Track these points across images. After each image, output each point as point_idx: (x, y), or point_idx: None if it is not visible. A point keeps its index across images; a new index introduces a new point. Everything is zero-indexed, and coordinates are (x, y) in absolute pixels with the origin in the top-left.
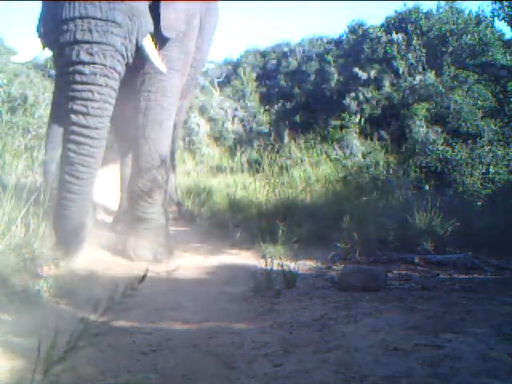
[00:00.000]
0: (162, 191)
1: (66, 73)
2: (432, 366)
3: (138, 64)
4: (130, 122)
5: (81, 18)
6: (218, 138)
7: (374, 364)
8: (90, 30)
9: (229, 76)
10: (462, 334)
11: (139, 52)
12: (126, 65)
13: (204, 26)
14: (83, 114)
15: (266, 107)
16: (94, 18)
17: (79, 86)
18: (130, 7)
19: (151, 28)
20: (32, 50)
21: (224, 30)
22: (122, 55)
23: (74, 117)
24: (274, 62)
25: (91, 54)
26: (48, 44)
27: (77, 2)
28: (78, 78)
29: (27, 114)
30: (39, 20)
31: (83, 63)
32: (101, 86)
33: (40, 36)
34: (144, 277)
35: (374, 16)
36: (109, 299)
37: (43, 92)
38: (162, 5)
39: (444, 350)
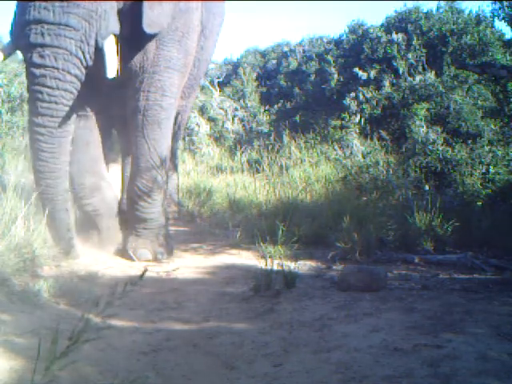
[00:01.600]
0: (161, 191)
1: (26, 72)
2: (432, 366)
3: (136, 64)
4: (130, 122)
5: (35, 21)
6: (218, 138)
7: (374, 364)
8: (43, 34)
9: (229, 76)
10: (462, 334)
11: (100, 54)
12: (86, 67)
13: (207, 26)
14: (34, 112)
15: (266, 107)
16: (46, 23)
17: (32, 87)
18: (86, 10)
19: (114, 29)
20: (6, 50)
21: (224, 29)
22: (78, 58)
23: (29, 114)
24: (274, 62)
25: (42, 57)
26: (16, 46)
27: (33, 7)
28: (30, 79)
29: (27, 114)
30: (11, 24)
31: (35, 65)
32: (51, 87)
33: (11, 39)
34: (143, 275)
35: (374, 16)
36: (108, 298)
37: None
38: (145, 2)
39: (444, 350)
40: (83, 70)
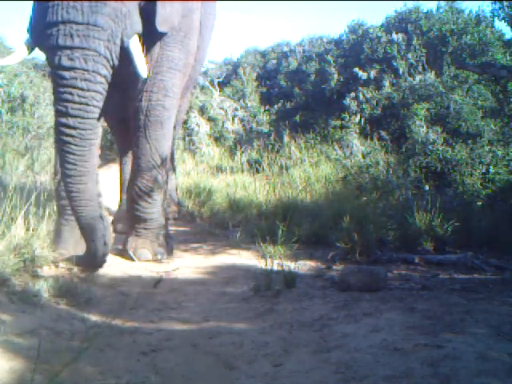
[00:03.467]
0: (162, 191)
1: (52, 75)
2: (432, 366)
3: None
4: (131, 122)
5: (63, 22)
6: (218, 138)
7: (374, 364)
8: (72, 35)
9: (229, 76)
10: (462, 334)
11: (126, 54)
12: (112, 67)
13: (203, 26)
14: (64, 114)
15: (266, 107)
16: (75, 23)
17: (61, 89)
18: (113, 9)
19: (138, 28)
20: (20, 52)
21: (224, 30)
22: (106, 58)
23: (57, 116)
24: (274, 62)
25: (72, 60)
26: (38, 46)
27: (60, 6)
28: (59, 81)
29: (27, 114)
30: (30, 21)
31: (64, 68)
32: (82, 89)
33: (31, 38)
34: (159, 282)
35: (374, 16)
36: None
37: (43, 92)
38: (158, 2)
39: (444, 350)
40: (110, 71)
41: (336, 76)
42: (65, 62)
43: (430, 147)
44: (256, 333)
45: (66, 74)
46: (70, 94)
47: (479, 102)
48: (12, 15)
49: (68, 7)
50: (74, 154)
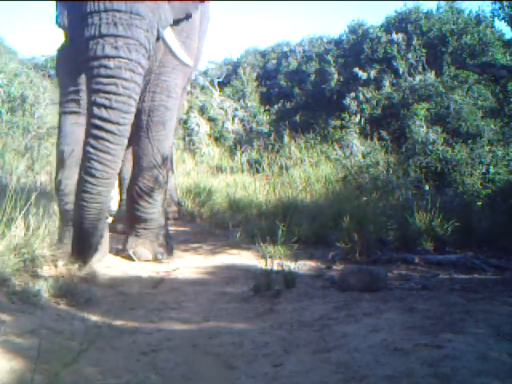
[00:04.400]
0: (162, 191)
1: (90, 67)
2: (432, 366)
3: None
4: (133, 122)
5: (105, 11)
6: (218, 138)
7: (374, 364)
8: (115, 24)
9: (229, 76)
10: (462, 334)
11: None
12: (149, 58)
13: (201, 26)
14: (106, 107)
15: (266, 107)
16: (118, 11)
17: (104, 80)
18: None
19: (170, 20)
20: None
21: (224, 30)
22: (146, 48)
23: (96, 110)
24: (274, 62)
25: (116, 48)
26: (72, 37)
27: None
28: (102, 71)
29: (27, 114)
30: (58, 13)
31: (108, 57)
32: (126, 79)
33: (63, 29)
34: (160, 282)
35: (374, 16)
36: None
37: (43, 92)
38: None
39: (444, 350)
40: (147, 61)
41: (336, 76)
42: (109, 50)
43: (430, 147)
44: (256, 333)
45: (111, 63)
46: (115, 85)
47: (479, 102)
48: (12, 15)
49: None
50: (108, 153)
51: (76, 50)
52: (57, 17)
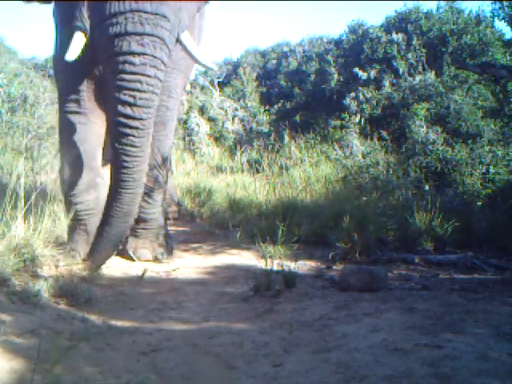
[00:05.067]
0: (162, 191)
1: (115, 62)
2: (432, 366)
3: None
4: None
5: (131, 11)
6: (218, 138)
7: (374, 364)
8: (142, 23)
9: (229, 76)
10: (462, 334)
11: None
12: (169, 57)
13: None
14: (130, 104)
15: (266, 107)
16: (144, 12)
17: (128, 76)
18: (174, 3)
19: (188, 23)
20: (77, 44)
21: (224, 30)
22: (169, 48)
23: (120, 107)
24: (274, 62)
25: (142, 45)
26: (93, 38)
27: None
28: (127, 68)
29: (27, 114)
30: (76, 16)
31: (134, 53)
32: (150, 76)
33: (83, 31)
34: (143, 274)
35: (374, 16)
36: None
37: (43, 92)
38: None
39: (444, 350)
40: (169, 61)
41: (336, 76)
42: (135, 47)
43: (430, 147)
44: (256, 333)
45: (136, 59)
46: (139, 82)
47: (479, 102)
48: (12, 15)
49: None
50: (134, 146)
51: (94, 51)
52: (75, 20)
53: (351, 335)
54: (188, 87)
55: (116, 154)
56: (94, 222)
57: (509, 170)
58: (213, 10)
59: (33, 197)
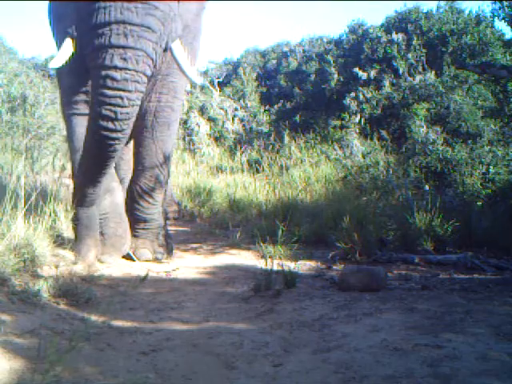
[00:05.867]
0: (162, 191)
1: (98, 75)
2: (432, 366)
3: None
4: (137, 122)
5: (116, 22)
6: (218, 138)
7: (374, 364)
8: (126, 35)
9: (229, 76)
10: (462, 334)
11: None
12: (154, 67)
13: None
14: (111, 119)
15: (266, 107)
16: (130, 24)
17: (110, 92)
18: (163, 13)
19: (180, 32)
20: (65, 51)
21: (224, 30)
22: (152, 59)
23: (101, 121)
24: (274, 61)
25: (125, 60)
26: (80, 46)
27: (113, 7)
28: (109, 83)
29: (27, 114)
30: (64, 22)
31: (116, 68)
32: (130, 91)
33: (72, 38)
34: (145, 277)
35: (374, 16)
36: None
37: (43, 92)
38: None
39: (444, 350)
40: (152, 71)
41: (336, 76)
42: (117, 61)
43: (430, 147)
44: (256, 333)
45: (118, 74)
46: (120, 97)
47: (479, 102)
48: (12, 15)
49: (122, 8)
50: (113, 158)
51: (83, 58)
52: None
53: (351, 335)
54: (188, 87)
55: (95, 165)
56: (109, 226)
57: (509, 170)
58: (213, 10)
59: (33, 197)
